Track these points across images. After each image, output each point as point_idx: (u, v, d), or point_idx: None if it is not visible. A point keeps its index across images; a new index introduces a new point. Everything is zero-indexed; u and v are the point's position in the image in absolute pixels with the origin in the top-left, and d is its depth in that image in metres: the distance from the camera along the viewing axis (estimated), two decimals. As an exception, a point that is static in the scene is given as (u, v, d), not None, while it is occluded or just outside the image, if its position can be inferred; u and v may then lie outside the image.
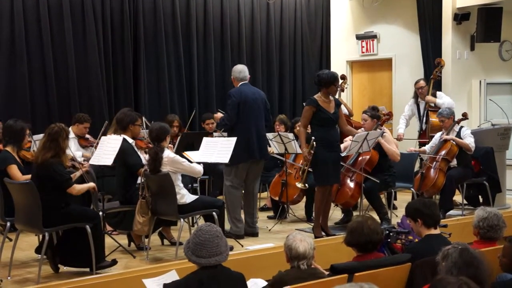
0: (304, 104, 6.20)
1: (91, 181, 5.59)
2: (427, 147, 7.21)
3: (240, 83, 6.21)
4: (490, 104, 9.20)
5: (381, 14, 10.18)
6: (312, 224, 6.49)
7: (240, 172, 6.12)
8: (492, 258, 3.48)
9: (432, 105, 7.79)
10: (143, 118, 7.09)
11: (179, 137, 7.18)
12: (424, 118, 7.82)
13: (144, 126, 6.91)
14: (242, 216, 6.25)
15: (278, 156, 7.25)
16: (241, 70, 6.27)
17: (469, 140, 6.91)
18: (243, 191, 6.32)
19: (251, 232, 6.19)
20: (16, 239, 5.13)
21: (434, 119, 7.59)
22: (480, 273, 2.88)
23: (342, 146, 6.73)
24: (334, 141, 6.03)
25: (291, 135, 6.85)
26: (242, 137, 5.94)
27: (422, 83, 7.93)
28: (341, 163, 6.62)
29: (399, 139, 7.83)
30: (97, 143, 6.38)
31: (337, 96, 8.45)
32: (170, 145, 5.65)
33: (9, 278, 4.90)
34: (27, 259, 5.48)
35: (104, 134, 6.48)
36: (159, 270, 4.56)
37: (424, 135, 7.73)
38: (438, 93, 8.00)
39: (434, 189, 6.89)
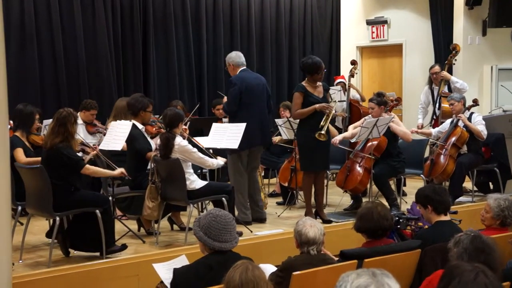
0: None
1: (100, 165, 5.61)
2: (434, 131, 7.16)
3: (240, 69, 6.15)
4: (502, 90, 9.12)
5: (391, -1, 10.09)
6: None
7: (242, 158, 6.11)
8: (504, 244, 3.47)
9: (446, 90, 7.70)
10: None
11: (188, 123, 7.17)
12: (437, 104, 7.75)
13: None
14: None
15: (287, 145, 7.23)
16: (239, 55, 6.19)
17: (481, 128, 6.84)
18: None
19: (259, 217, 6.19)
20: (27, 223, 5.17)
21: (446, 105, 7.53)
22: (491, 260, 2.87)
23: (351, 130, 6.71)
24: None
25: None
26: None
27: (437, 68, 7.84)
28: (349, 148, 6.61)
29: (419, 128, 7.78)
30: (106, 129, 6.41)
31: (347, 82, 8.48)
32: (185, 127, 5.63)
33: (20, 261, 4.94)
34: (38, 243, 5.52)
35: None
36: (169, 255, 4.58)
37: (437, 122, 7.67)
38: (452, 77, 7.91)
39: (444, 175, 6.85)
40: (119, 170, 5.22)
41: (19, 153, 5.46)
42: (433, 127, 7.63)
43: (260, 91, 6.10)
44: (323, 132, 5.79)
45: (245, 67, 6.19)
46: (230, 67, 6.19)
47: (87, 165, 5.00)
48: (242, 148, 5.95)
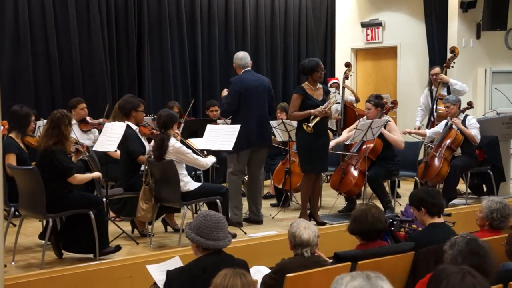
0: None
1: (95, 168, 5.59)
2: (428, 132, 7.16)
3: (243, 70, 6.19)
4: (496, 92, 9.16)
5: (386, 2, 10.12)
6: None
7: (241, 159, 6.11)
8: (498, 246, 3.47)
9: (444, 93, 7.69)
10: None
11: (182, 124, 7.16)
12: (435, 106, 7.74)
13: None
14: (245, 203, 6.25)
15: (281, 146, 7.23)
16: (242, 57, 6.20)
17: (475, 132, 6.85)
18: (246, 178, 6.32)
19: (256, 219, 6.19)
20: (20, 224, 5.14)
21: (441, 107, 7.53)
22: (485, 263, 2.88)
23: (346, 134, 6.72)
24: (321, 128, 6.00)
25: (295, 123, 6.82)
26: (243, 125, 5.93)
27: (437, 69, 7.81)
28: (344, 152, 6.62)
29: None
30: (98, 124, 6.35)
31: (341, 83, 8.49)
32: (177, 131, 5.63)
33: (13, 263, 4.92)
34: (31, 245, 5.49)
35: (108, 116, 6.46)
36: (163, 256, 4.58)
37: (434, 124, 7.67)
38: (451, 80, 7.91)
39: (438, 178, 6.86)
40: (97, 174, 5.19)
41: (11, 159, 5.28)
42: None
43: (259, 93, 6.10)
44: (310, 124, 5.80)
45: (248, 69, 6.20)
46: (236, 67, 6.24)
47: (75, 175, 4.91)
48: (240, 149, 5.96)
